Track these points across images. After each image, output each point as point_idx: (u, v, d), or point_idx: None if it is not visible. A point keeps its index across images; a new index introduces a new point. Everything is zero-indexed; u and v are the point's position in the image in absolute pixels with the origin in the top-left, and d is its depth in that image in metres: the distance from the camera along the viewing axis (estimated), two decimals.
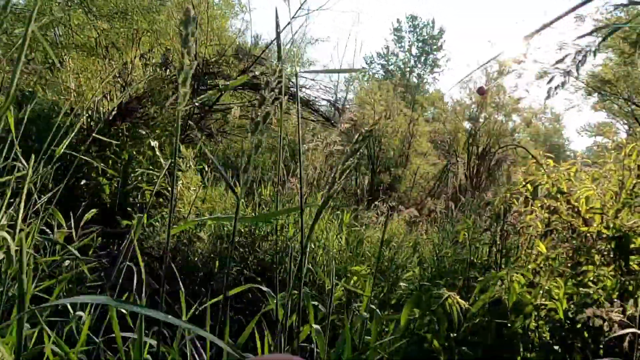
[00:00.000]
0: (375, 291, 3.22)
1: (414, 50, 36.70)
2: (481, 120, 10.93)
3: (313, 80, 9.05)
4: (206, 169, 4.13)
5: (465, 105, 11.75)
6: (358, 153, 0.96)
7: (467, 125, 10.98)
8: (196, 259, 3.07)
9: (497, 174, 8.45)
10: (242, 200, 1.69)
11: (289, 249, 3.18)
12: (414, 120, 10.25)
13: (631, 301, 1.81)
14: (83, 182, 3.64)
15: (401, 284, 3.55)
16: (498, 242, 2.95)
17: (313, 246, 3.56)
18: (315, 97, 7.77)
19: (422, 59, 36.85)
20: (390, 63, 37.04)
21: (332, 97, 8.75)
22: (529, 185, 2.94)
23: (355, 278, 2.85)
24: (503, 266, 2.90)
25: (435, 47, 36.56)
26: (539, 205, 2.66)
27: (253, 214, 3.59)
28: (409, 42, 36.90)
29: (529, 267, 2.48)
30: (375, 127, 0.98)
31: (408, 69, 35.40)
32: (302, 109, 8.62)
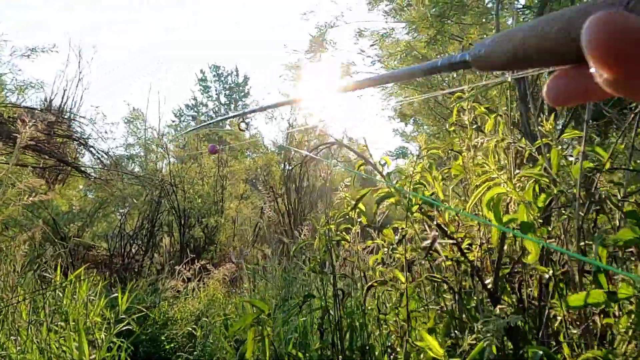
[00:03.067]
0: None
1: (223, 99, 36.37)
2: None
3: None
4: None
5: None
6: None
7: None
8: None
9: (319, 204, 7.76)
10: None
11: None
12: (223, 162, 9.07)
13: None
14: None
15: None
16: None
17: None
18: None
19: (232, 106, 36.71)
20: (200, 113, 35.93)
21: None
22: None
23: None
24: None
25: (242, 93, 36.83)
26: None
27: None
28: (216, 91, 36.46)
29: None
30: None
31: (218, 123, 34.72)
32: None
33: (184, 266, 4.88)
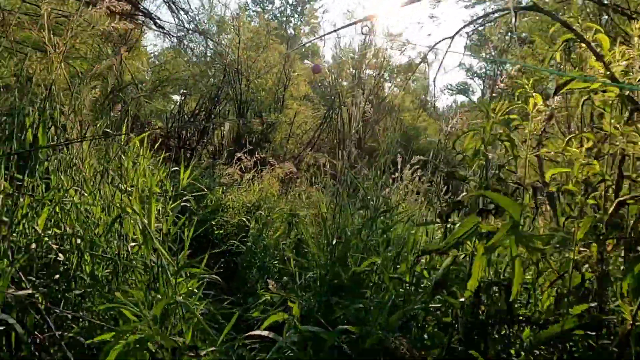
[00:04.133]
0: None
1: None
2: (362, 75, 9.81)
3: None
4: None
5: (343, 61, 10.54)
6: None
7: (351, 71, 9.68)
8: None
9: (388, 121, 7.29)
10: None
11: None
12: (290, 59, 8.56)
13: None
14: None
15: None
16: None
17: None
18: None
19: (299, 8, 35.02)
20: (266, 11, 34.56)
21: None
22: None
23: None
24: None
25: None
26: None
27: None
28: None
29: None
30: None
31: (285, 18, 33.44)
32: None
33: (244, 155, 4.66)
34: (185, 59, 7.03)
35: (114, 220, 1.58)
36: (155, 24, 5.48)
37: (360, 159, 3.68)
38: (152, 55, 10.71)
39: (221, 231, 4.39)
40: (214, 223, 4.38)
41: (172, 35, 5.76)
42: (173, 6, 5.55)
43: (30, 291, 1.24)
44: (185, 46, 6.30)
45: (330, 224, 2.04)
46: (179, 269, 1.60)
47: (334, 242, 1.91)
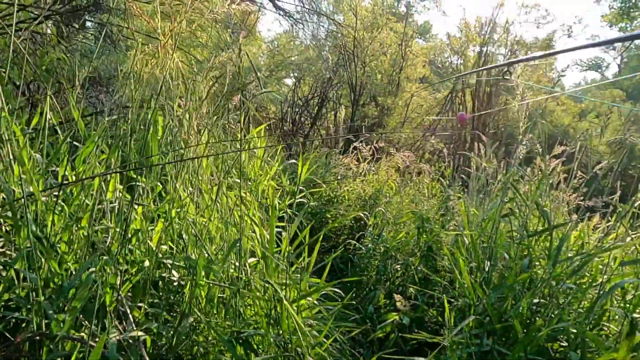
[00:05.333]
0: None
1: None
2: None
3: None
4: None
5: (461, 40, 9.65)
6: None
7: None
8: None
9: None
10: None
11: None
12: (406, 38, 8.02)
13: None
14: None
15: None
16: None
17: None
18: None
19: None
20: None
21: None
22: None
23: None
24: None
25: None
26: None
27: None
28: None
29: None
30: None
31: None
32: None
33: (361, 144, 4.36)
34: (299, 42, 6.88)
35: (231, 246, 1.37)
36: (274, 5, 5.36)
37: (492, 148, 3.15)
38: (266, 40, 10.84)
39: (335, 224, 4.17)
40: (329, 215, 4.18)
41: (289, 16, 5.60)
42: None
43: (137, 333, 1.07)
44: (300, 29, 6.12)
45: (480, 245, 1.64)
46: (299, 297, 1.34)
47: (487, 267, 1.52)
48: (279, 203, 2.79)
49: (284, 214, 2.63)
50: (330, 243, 4.04)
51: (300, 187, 2.92)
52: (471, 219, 2.14)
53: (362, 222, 3.99)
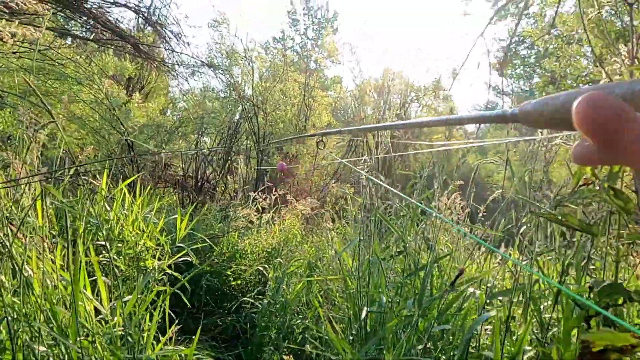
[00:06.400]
0: None
1: (310, 34, 34.95)
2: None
3: None
4: None
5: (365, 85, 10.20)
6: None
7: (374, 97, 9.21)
8: None
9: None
10: None
11: None
12: (309, 89, 8.17)
13: None
14: None
15: None
16: None
17: None
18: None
19: (319, 42, 35.32)
20: (286, 48, 34.98)
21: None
22: None
23: None
24: None
25: (332, 30, 35.18)
26: None
27: None
28: (305, 25, 35.04)
29: None
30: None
31: (306, 53, 33.73)
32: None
33: (260, 194, 4.15)
34: (199, 95, 6.70)
35: None
36: (161, 62, 5.18)
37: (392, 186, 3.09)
38: (170, 96, 10.54)
39: (239, 281, 3.85)
40: (230, 273, 3.85)
41: (178, 71, 5.44)
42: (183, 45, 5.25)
43: None
44: (198, 81, 5.96)
45: (355, 291, 1.46)
46: None
47: (363, 314, 1.33)
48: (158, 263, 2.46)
49: (164, 276, 2.31)
50: (233, 303, 3.70)
51: (182, 245, 2.62)
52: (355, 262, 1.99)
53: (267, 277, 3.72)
